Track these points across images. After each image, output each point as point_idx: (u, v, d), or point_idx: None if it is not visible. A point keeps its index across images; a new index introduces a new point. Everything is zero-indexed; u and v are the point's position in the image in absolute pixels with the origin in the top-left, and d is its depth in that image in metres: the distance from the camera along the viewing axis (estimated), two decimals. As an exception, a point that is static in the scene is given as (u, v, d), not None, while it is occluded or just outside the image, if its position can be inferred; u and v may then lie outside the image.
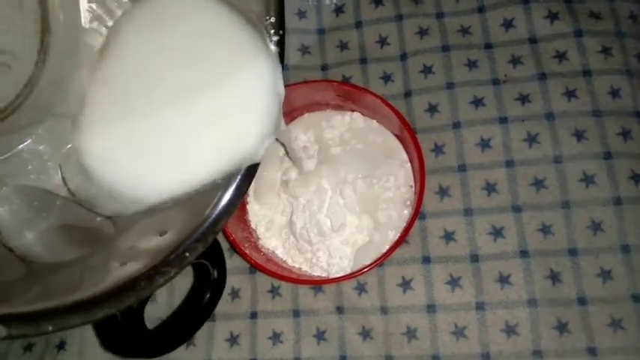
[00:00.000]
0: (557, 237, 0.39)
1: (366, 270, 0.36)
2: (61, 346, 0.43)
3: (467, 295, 0.39)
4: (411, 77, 0.44)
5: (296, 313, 0.41)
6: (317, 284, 0.40)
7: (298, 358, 0.40)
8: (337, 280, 0.38)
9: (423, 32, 0.45)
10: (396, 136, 0.41)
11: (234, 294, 0.42)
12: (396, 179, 0.40)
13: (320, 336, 0.40)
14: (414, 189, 0.40)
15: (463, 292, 0.39)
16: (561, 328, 0.37)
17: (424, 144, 0.42)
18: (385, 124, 0.42)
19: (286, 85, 0.41)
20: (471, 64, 0.43)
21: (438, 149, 0.42)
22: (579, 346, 0.37)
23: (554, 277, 0.38)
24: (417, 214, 0.37)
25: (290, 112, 0.43)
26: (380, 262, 0.36)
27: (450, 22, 0.45)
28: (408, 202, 0.40)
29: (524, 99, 0.41)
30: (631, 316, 0.37)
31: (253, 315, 0.41)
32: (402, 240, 0.37)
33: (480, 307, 0.38)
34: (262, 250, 0.41)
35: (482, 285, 0.39)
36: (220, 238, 0.43)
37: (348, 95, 0.41)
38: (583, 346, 0.37)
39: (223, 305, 0.42)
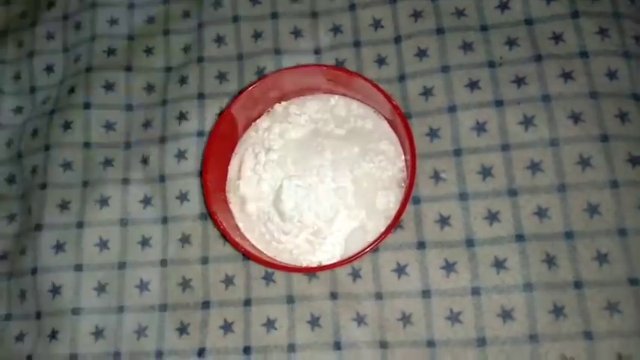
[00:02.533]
0: (554, 220, 0.38)
1: (360, 255, 0.36)
2: (52, 335, 0.42)
3: (462, 280, 0.38)
4: (406, 60, 0.43)
5: (290, 300, 0.40)
6: (312, 272, 0.40)
7: (292, 345, 0.40)
8: (332, 266, 0.37)
9: (417, 14, 0.44)
10: (388, 120, 0.41)
11: (228, 281, 0.42)
12: (385, 156, 0.40)
13: (314, 322, 0.40)
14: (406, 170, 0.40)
15: (458, 277, 0.38)
16: (557, 312, 0.37)
17: (419, 128, 0.41)
18: (377, 107, 0.41)
19: (276, 71, 0.41)
20: (467, 47, 0.42)
21: (433, 133, 0.41)
22: (575, 330, 0.36)
23: (550, 261, 0.38)
24: (409, 197, 0.36)
25: (280, 97, 0.43)
26: (374, 246, 0.36)
27: (445, 4, 0.44)
28: (403, 184, 0.39)
29: (520, 81, 0.41)
30: (627, 299, 0.36)
31: (247, 302, 0.41)
32: (395, 224, 0.36)
33: (475, 291, 0.38)
34: (247, 236, 0.41)
35: (478, 270, 0.38)
36: (211, 226, 0.42)
37: (339, 79, 0.40)
38: (579, 329, 0.36)
39: (217, 293, 0.42)
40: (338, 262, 0.37)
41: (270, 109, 0.43)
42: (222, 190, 0.41)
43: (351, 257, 0.36)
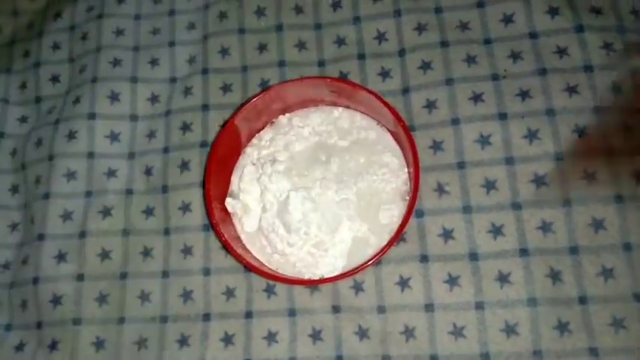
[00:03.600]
0: (558, 235, 0.38)
1: (363, 268, 0.36)
2: (53, 346, 0.42)
3: (466, 294, 0.38)
4: (410, 73, 0.43)
5: (291, 312, 0.40)
6: (314, 284, 0.40)
7: (294, 358, 0.39)
8: (335, 279, 0.37)
9: (421, 28, 0.44)
10: (392, 132, 0.41)
11: (229, 293, 0.41)
12: (389, 168, 0.40)
13: (316, 336, 0.39)
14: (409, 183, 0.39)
15: (462, 291, 0.38)
16: (562, 328, 0.36)
17: (422, 141, 0.41)
18: (380, 120, 0.41)
19: (280, 82, 0.41)
20: (470, 60, 0.42)
21: (436, 146, 0.41)
22: (580, 346, 0.36)
23: (555, 276, 0.37)
24: (412, 210, 0.36)
25: (284, 108, 0.43)
26: (377, 259, 0.36)
27: (449, 17, 0.44)
28: (406, 197, 0.39)
29: (524, 95, 0.41)
30: (633, 315, 0.36)
31: (248, 314, 0.41)
32: (397, 236, 0.36)
33: (479, 306, 0.38)
34: (248, 248, 0.41)
35: (482, 284, 0.38)
36: (213, 237, 0.42)
37: (342, 91, 0.40)
38: (584, 346, 0.36)
39: (218, 305, 0.41)
40: (340, 275, 0.37)
41: (273, 121, 0.43)
42: (224, 201, 0.41)
43: (354, 270, 0.36)
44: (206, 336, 0.41)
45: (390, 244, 0.36)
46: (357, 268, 0.36)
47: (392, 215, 0.39)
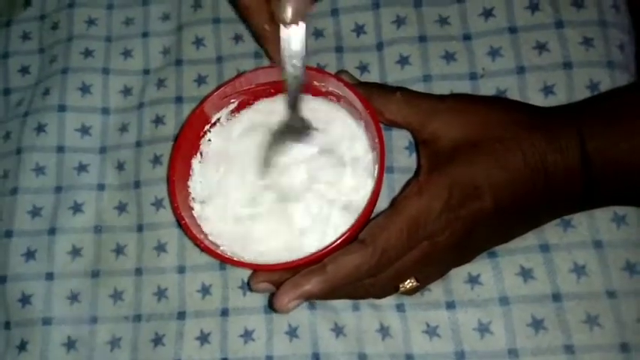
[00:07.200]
0: (527, 235, 0.37)
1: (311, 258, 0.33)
2: (22, 346, 0.41)
3: (435, 294, 0.38)
4: (388, 68, 0.43)
5: (267, 310, 0.40)
6: (295, 266, 0.35)
7: (270, 356, 0.39)
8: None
9: (400, 21, 0.43)
10: (363, 124, 0.39)
11: (205, 290, 0.41)
12: (356, 160, 0.38)
13: (292, 333, 0.39)
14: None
15: (432, 294, 0.38)
16: (536, 325, 0.36)
17: (398, 141, 0.41)
18: (352, 110, 0.40)
19: (251, 70, 0.40)
20: (449, 57, 0.42)
21: (412, 147, 0.41)
22: (556, 344, 0.36)
23: (526, 274, 0.37)
24: (370, 211, 0.34)
25: (254, 97, 0.41)
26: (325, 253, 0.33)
27: (428, 11, 0.43)
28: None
29: (501, 95, 0.40)
30: (607, 312, 0.36)
31: (224, 312, 0.40)
32: (353, 234, 0.34)
33: (450, 305, 0.37)
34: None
35: (451, 286, 0.38)
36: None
37: (315, 80, 0.39)
38: (560, 343, 0.36)
39: (193, 303, 0.41)
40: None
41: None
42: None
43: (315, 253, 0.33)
44: (181, 335, 0.40)
45: (346, 239, 0.34)
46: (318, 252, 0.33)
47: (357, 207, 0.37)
